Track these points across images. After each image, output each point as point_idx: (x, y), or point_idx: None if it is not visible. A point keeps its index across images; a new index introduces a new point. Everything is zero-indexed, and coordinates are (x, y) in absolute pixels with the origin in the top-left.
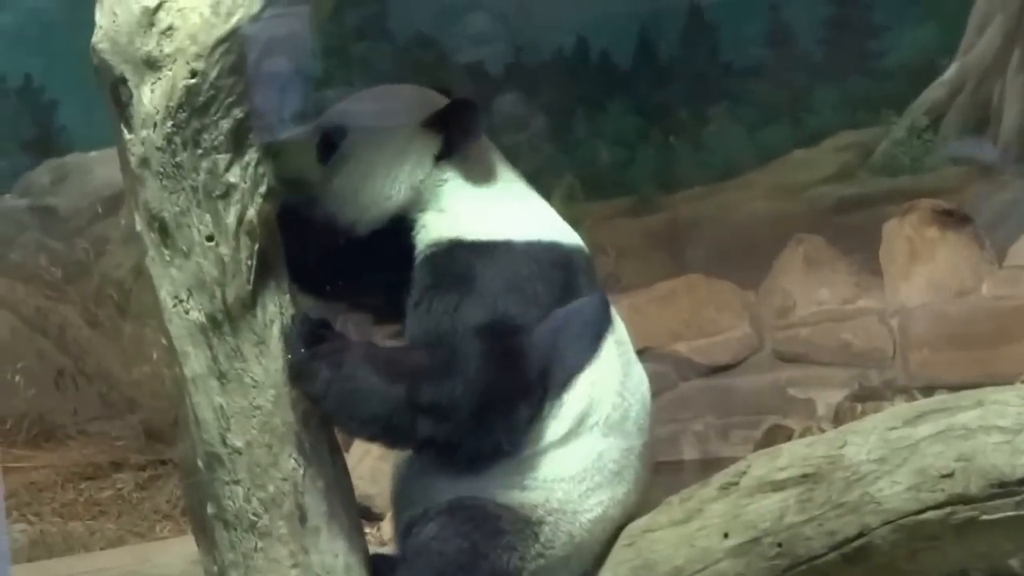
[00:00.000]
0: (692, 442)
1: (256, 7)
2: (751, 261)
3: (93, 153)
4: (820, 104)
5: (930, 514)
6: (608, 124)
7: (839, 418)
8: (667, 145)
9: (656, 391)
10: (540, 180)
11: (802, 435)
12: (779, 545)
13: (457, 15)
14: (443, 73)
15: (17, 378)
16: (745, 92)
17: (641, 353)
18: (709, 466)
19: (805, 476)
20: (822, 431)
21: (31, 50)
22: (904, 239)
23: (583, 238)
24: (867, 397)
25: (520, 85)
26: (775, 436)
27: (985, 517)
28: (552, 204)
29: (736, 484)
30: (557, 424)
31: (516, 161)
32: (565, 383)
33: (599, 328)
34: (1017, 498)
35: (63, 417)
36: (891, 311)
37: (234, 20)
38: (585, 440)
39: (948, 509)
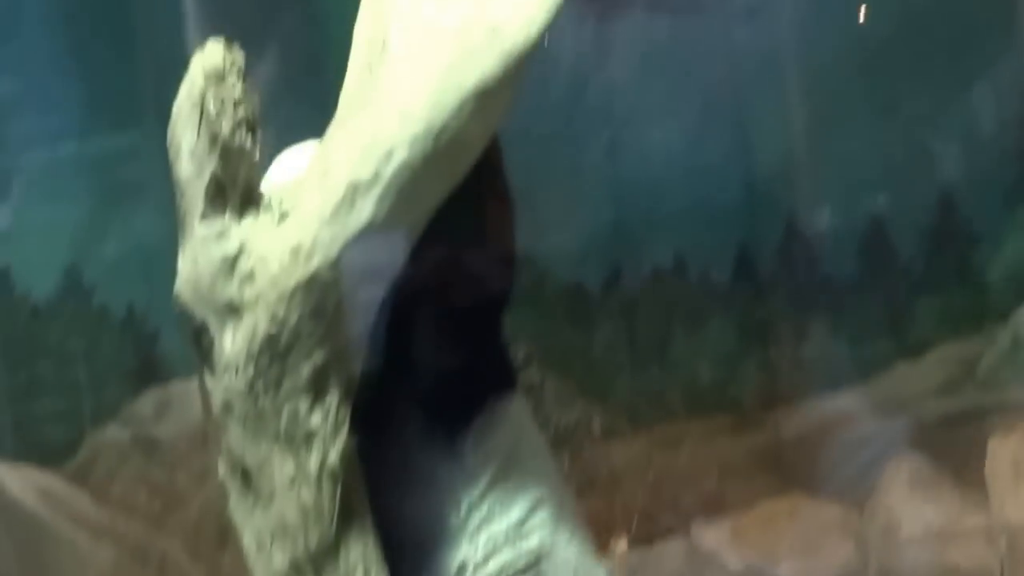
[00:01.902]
0: None
1: (335, 251)
2: (855, 479)
3: (196, 382)
4: (922, 316)
5: None
6: (708, 341)
7: None
8: (768, 361)
9: None
10: (641, 397)
11: None
12: None
13: (554, 232)
14: (541, 291)
15: None
16: (845, 305)
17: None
18: None
19: None
20: None
21: (134, 280)
22: (1009, 455)
23: (688, 461)
24: None
25: (619, 303)
26: None
27: None
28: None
29: None
30: None
31: (617, 381)
32: None
33: None
34: None
35: None
36: (998, 529)
37: (313, 265)
38: None
39: None
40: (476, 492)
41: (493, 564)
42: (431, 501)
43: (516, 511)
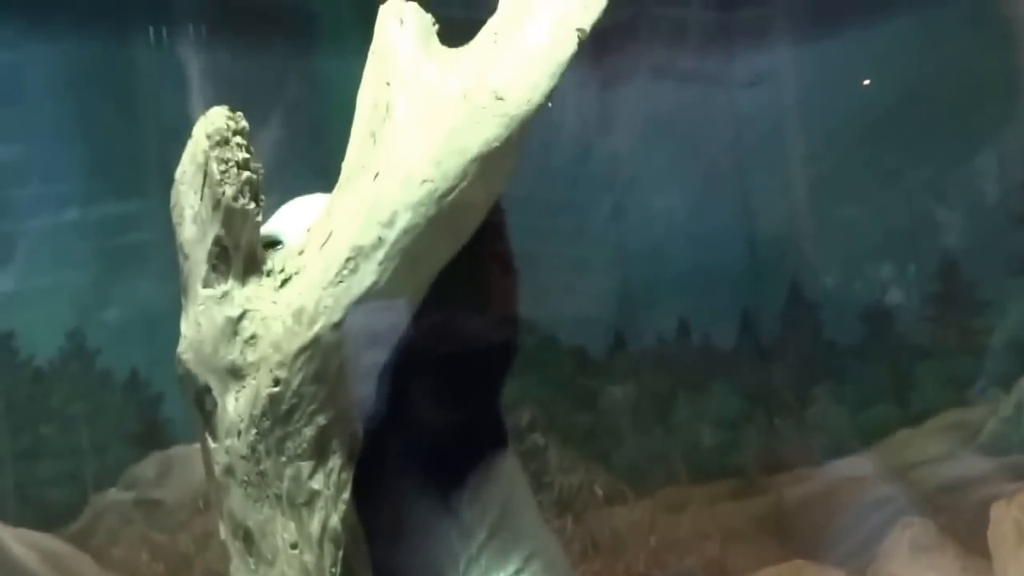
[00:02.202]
0: None
1: (337, 316)
2: (858, 545)
3: (197, 445)
4: (925, 382)
5: None
6: (711, 406)
7: None
8: (771, 426)
9: None
10: (644, 462)
11: None
12: None
13: (557, 297)
14: (544, 355)
15: None
16: (848, 371)
17: None
18: None
19: None
20: None
21: (137, 344)
22: (1012, 521)
23: (690, 525)
24: None
25: (622, 368)
26: None
27: None
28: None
29: None
30: None
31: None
32: None
33: None
34: None
35: None
36: None
37: (316, 328)
38: None
39: None
40: (474, 546)
41: None
42: (429, 556)
43: (512, 564)
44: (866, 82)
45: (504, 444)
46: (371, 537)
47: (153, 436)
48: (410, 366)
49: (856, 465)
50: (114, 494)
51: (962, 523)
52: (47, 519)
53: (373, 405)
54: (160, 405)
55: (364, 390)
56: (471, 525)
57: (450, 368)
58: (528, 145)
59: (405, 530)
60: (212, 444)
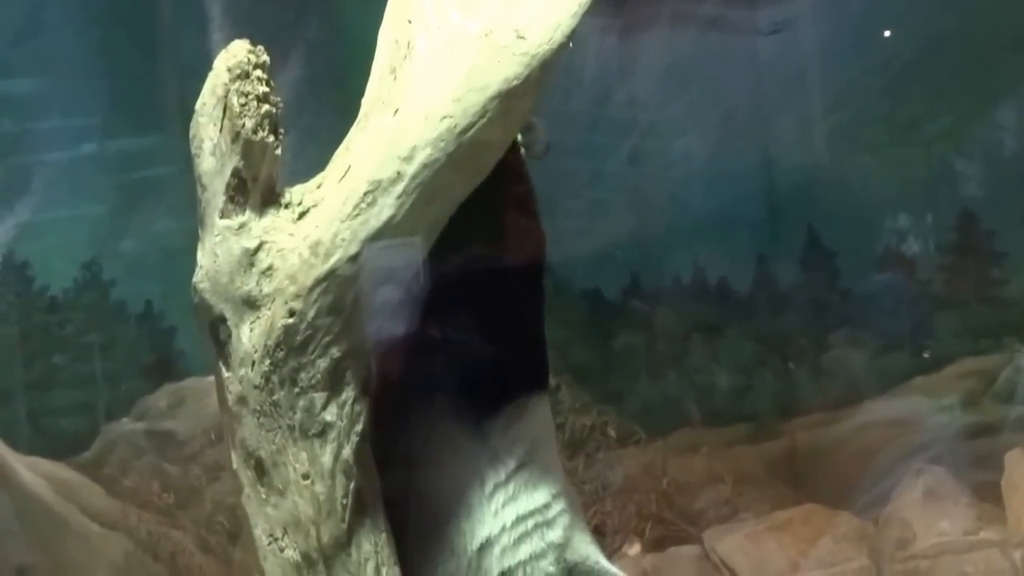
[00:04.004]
0: None
1: (354, 248)
2: (870, 490)
3: (210, 378)
4: (941, 331)
5: None
6: (725, 350)
7: None
8: (786, 371)
9: None
10: (658, 404)
11: None
12: None
13: (574, 240)
14: (560, 298)
15: None
16: (865, 319)
17: None
18: None
19: None
20: None
21: (152, 276)
22: None
23: (703, 468)
24: None
25: (637, 311)
26: None
27: None
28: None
29: None
30: None
31: (634, 388)
32: None
33: None
34: None
35: None
36: (1013, 543)
37: (332, 261)
38: None
39: None
40: (503, 473)
41: (523, 550)
42: (457, 477)
43: (540, 496)
44: (887, 33)
45: (543, 386)
46: (398, 458)
47: (166, 368)
48: (443, 299)
49: (871, 412)
50: (126, 424)
51: (975, 471)
52: (59, 448)
53: (407, 334)
54: (173, 338)
55: (381, 323)
56: (501, 454)
57: (482, 301)
58: (548, 87)
59: (436, 450)
60: (226, 374)
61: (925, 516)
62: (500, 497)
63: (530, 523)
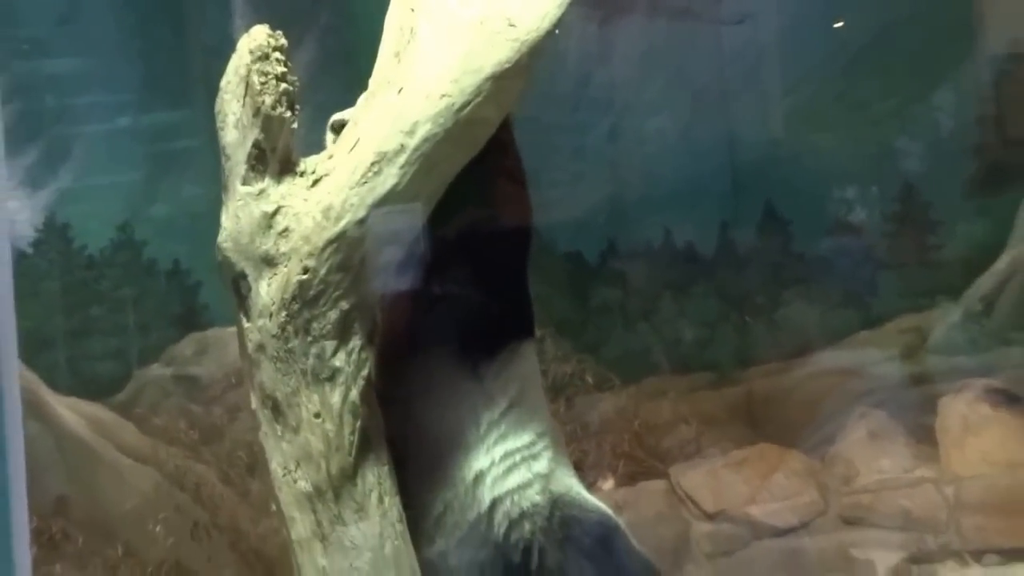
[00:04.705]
0: None
1: (361, 213)
2: (818, 432)
3: (231, 328)
4: (884, 291)
5: None
6: (691, 306)
7: None
8: (744, 326)
9: (730, 550)
10: (630, 354)
11: None
12: None
13: (557, 207)
14: (544, 259)
15: (158, 528)
16: (815, 279)
17: (717, 515)
18: None
19: None
20: None
21: (180, 237)
22: (958, 414)
23: (670, 412)
24: (923, 560)
25: (613, 271)
26: None
27: None
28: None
29: None
30: None
31: (609, 340)
32: None
33: None
34: None
35: (197, 564)
36: (946, 480)
37: (342, 224)
38: None
39: None
40: (496, 412)
41: (513, 476)
42: (455, 415)
43: (527, 435)
44: (840, 23)
45: (530, 334)
46: (401, 401)
47: (191, 319)
48: (441, 258)
49: (819, 362)
50: (155, 369)
51: (912, 415)
52: (95, 390)
53: (409, 289)
54: (198, 292)
55: (386, 280)
56: (494, 394)
57: (476, 260)
58: (536, 70)
59: (438, 392)
60: (246, 324)
61: (867, 455)
62: (493, 434)
63: (518, 457)
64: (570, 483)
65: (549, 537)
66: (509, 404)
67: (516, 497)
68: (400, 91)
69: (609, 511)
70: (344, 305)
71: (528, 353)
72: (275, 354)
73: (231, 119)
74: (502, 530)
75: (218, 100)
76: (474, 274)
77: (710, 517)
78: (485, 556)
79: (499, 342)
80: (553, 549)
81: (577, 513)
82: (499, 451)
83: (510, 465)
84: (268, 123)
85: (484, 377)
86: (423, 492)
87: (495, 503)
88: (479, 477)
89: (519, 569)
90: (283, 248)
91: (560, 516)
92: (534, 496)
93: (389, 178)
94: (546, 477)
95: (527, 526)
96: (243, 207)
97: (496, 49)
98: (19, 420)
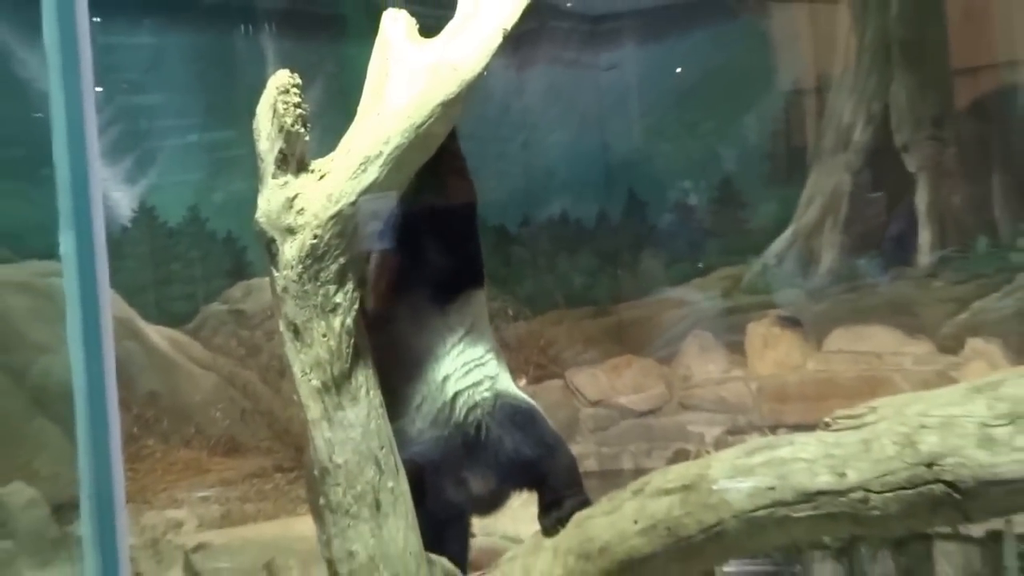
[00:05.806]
0: (628, 459)
1: (353, 198)
2: (665, 347)
3: (266, 277)
4: (709, 251)
5: (761, 512)
6: (580, 261)
7: (718, 445)
8: (616, 275)
9: (606, 427)
10: (539, 294)
11: (695, 457)
12: (668, 529)
13: (488, 193)
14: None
15: (217, 413)
16: (663, 243)
17: (597, 403)
18: (638, 474)
19: (685, 486)
20: (708, 453)
21: (231, 216)
22: (760, 335)
23: (565, 334)
24: (736, 432)
25: (527, 237)
26: (679, 456)
27: (795, 515)
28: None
29: (642, 490)
30: None
31: (524, 284)
32: None
33: None
34: (815, 503)
35: (245, 438)
36: (751, 378)
37: (339, 205)
38: None
39: (772, 509)
40: (457, 336)
41: (469, 377)
42: (426, 339)
43: (479, 350)
44: (679, 70)
45: (481, 283)
46: (391, 326)
47: (240, 271)
48: (411, 229)
49: (666, 299)
50: (215, 306)
51: (730, 335)
52: (174, 320)
53: (387, 250)
54: (245, 253)
55: (380, 240)
56: (455, 324)
57: (437, 230)
58: (471, 100)
59: (418, 320)
60: (275, 273)
61: (698, 362)
62: (455, 350)
63: (473, 365)
64: (508, 384)
65: (494, 418)
66: (466, 331)
67: (471, 392)
68: (379, 114)
69: (533, 401)
70: (342, 260)
71: (479, 297)
72: (295, 294)
73: (264, 134)
74: (462, 414)
75: (255, 122)
76: (435, 240)
77: (592, 404)
78: (450, 432)
79: (458, 289)
80: (496, 427)
81: (512, 402)
82: (460, 361)
83: (467, 370)
84: (289, 137)
85: (448, 313)
86: (407, 388)
87: (456, 395)
88: (446, 378)
89: (473, 440)
90: (300, 222)
91: (501, 404)
92: (483, 392)
93: (372, 174)
94: (492, 379)
95: (479, 411)
96: (273, 194)
97: (444, 85)
98: (111, 338)
